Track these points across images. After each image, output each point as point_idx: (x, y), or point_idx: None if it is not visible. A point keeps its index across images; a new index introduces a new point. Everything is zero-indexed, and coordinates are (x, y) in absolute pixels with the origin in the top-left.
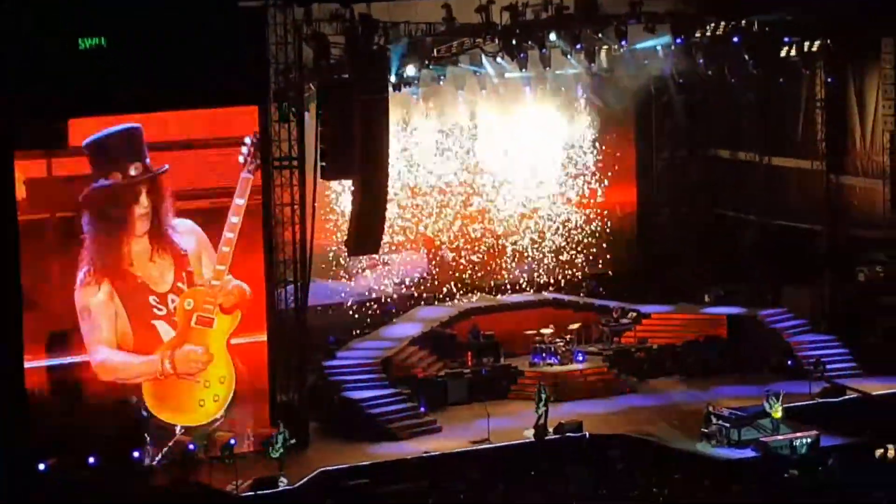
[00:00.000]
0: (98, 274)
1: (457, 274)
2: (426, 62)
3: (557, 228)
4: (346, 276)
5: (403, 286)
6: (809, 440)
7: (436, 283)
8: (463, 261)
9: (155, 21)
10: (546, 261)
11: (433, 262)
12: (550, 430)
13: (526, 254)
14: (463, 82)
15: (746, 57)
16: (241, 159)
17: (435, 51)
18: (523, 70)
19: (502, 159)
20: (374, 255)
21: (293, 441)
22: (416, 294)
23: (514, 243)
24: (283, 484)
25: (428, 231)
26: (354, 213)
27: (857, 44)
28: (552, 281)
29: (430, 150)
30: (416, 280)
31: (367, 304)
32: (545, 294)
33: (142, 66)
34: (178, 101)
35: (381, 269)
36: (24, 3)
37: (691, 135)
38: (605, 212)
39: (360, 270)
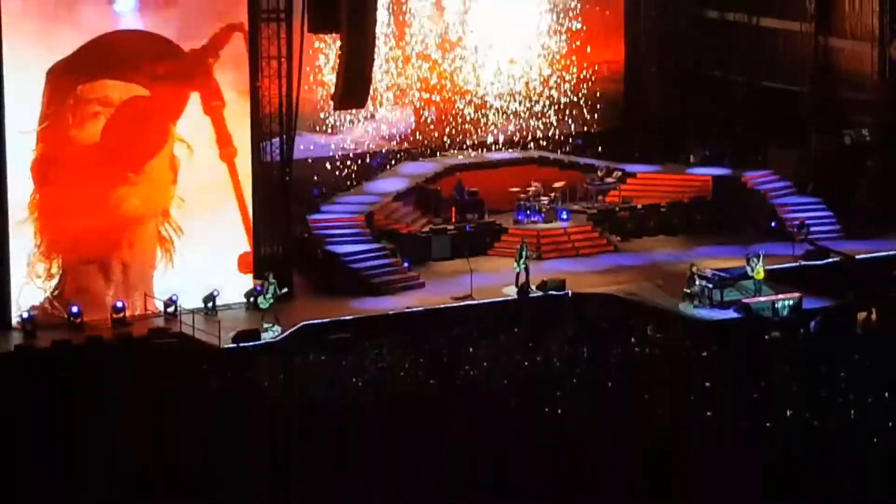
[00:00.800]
0: None
1: (445, 130)
2: None
3: (544, 86)
4: (332, 131)
5: (389, 141)
6: (792, 302)
7: (421, 138)
8: (449, 117)
9: None
10: (532, 118)
11: (419, 118)
12: (533, 287)
13: (513, 110)
14: None
15: None
16: None
17: None
18: None
19: (489, 16)
20: (359, 109)
21: (284, 291)
22: (401, 149)
23: (500, 99)
24: (269, 335)
25: (414, 86)
26: (341, 67)
27: None
28: (538, 139)
29: (416, 5)
30: (401, 135)
31: (352, 158)
32: (531, 152)
33: None
34: None
35: (366, 123)
36: None
37: None
38: (594, 69)
39: (345, 124)
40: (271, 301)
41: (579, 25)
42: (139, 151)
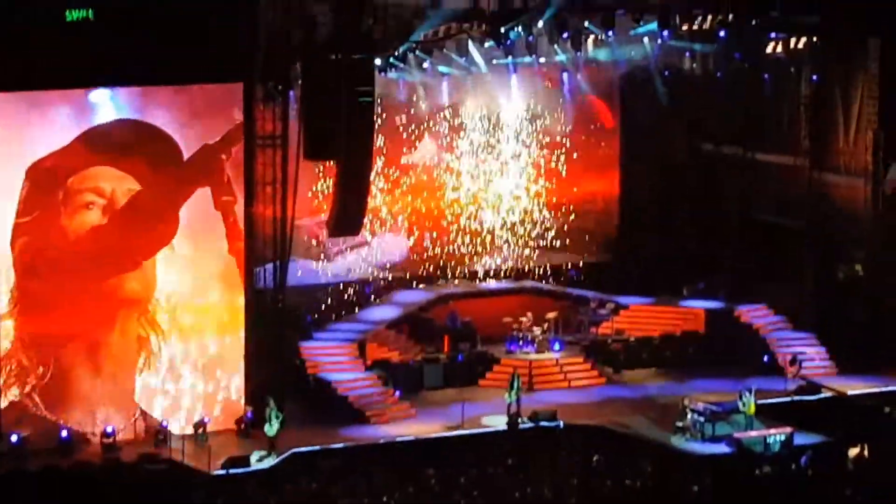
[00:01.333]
0: None
1: (439, 259)
2: (413, 46)
3: (539, 216)
4: (326, 257)
5: (383, 269)
6: (783, 437)
7: (415, 267)
8: (443, 246)
9: None
10: (526, 248)
11: (414, 246)
12: (525, 417)
13: (507, 240)
14: (448, 67)
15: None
16: None
17: (422, 35)
18: (509, 57)
19: (486, 145)
20: (354, 237)
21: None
22: (394, 277)
23: (496, 229)
24: (263, 464)
25: (410, 215)
26: (336, 194)
27: (844, 43)
28: (532, 269)
29: (414, 133)
30: (395, 263)
31: (346, 285)
32: (524, 282)
33: (129, 40)
34: (164, 76)
35: (361, 250)
36: None
37: (675, 127)
38: (588, 201)
39: (341, 251)
40: (278, 427)
41: (576, 156)
42: (150, 240)
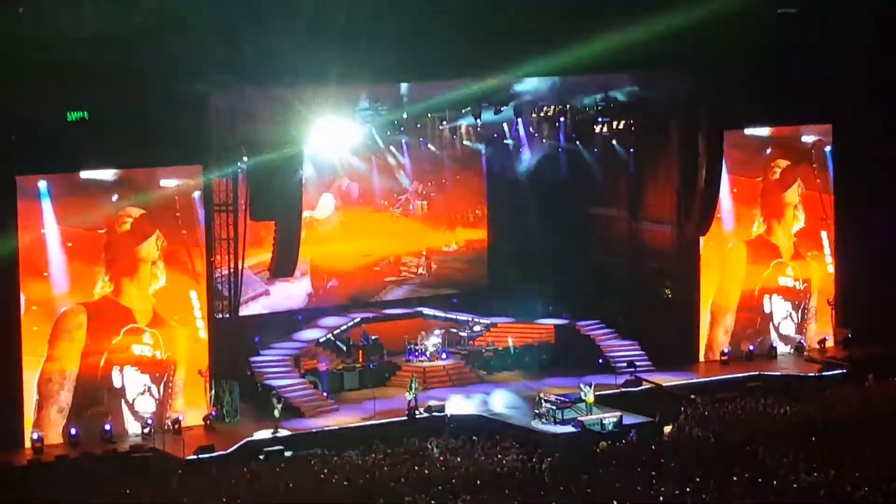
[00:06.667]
0: None
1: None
2: None
3: (425, 260)
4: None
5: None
6: (615, 419)
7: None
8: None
9: (129, 101)
10: (418, 285)
11: (313, 292)
12: (421, 410)
13: (401, 278)
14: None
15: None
16: None
17: None
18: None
19: (373, 192)
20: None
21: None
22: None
23: (391, 270)
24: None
25: (310, 264)
26: (275, 246)
27: (652, 123)
28: (424, 298)
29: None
30: (296, 309)
31: (284, 314)
32: (418, 309)
33: (116, 134)
34: (145, 160)
35: (261, 299)
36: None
37: (529, 193)
38: (465, 250)
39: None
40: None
41: (455, 218)
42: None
